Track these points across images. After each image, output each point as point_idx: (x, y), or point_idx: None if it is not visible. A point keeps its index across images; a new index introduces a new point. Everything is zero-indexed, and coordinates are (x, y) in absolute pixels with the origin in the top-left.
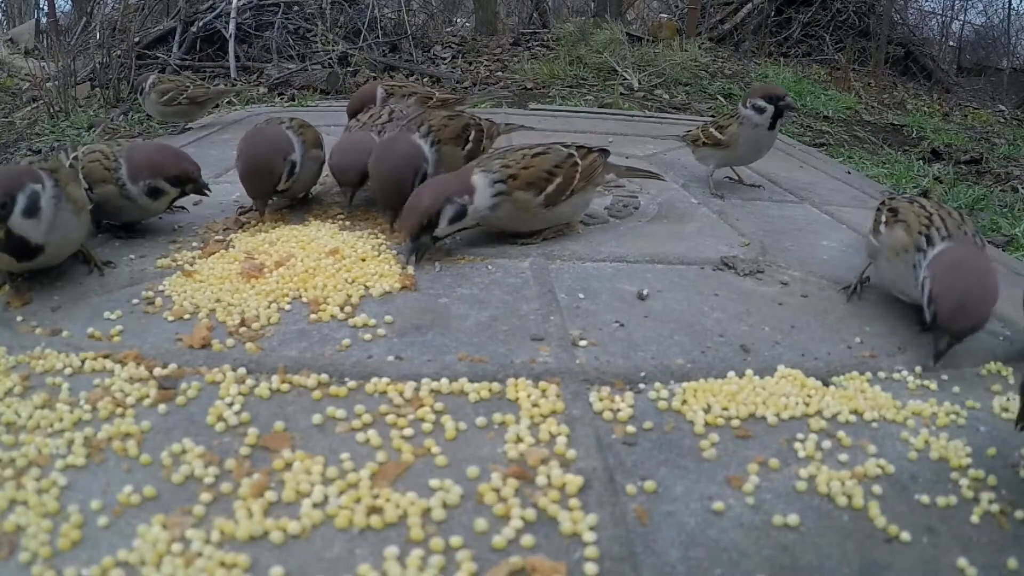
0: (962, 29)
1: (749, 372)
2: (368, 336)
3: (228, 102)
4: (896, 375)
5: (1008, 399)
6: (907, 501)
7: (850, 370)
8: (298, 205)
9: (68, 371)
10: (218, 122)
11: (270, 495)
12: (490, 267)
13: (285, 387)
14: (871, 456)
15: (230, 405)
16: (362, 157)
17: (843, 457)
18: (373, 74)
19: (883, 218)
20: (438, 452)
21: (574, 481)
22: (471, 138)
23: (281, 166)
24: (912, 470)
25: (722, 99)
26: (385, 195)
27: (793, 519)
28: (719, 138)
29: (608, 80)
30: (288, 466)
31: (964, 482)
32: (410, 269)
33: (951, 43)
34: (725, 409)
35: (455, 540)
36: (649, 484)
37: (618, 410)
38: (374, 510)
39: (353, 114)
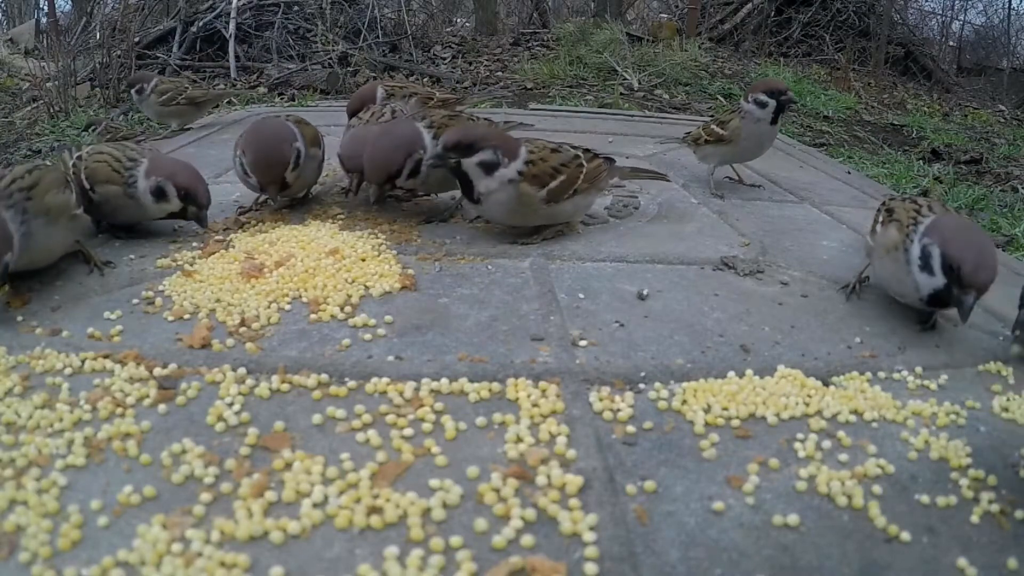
0: (962, 29)
1: (749, 372)
2: (368, 336)
3: (228, 102)
4: (896, 375)
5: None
6: (907, 501)
7: (850, 370)
8: (298, 205)
9: (68, 371)
10: (218, 122)
11: (270, 495)
12: (490, 267)
13: (285, 387)
14: (871, 456)
15: (230, 405)
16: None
17: (843, 457)
18: (373, 74)
19: (880, 218)
20: (438, 452)
21: (574, 481)
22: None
23: (289, 152)
24: (912, 470)
25: (722, 99)
26: (372, 169)
27: (793, 519)
28: (721, 134)
29: (608, 80)
30: (288, 466)
31: (964, 482)
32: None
33: (951, 43)
34: (725, 409)
35: (455, 540)
36: (649, 484)
37: (618, 410)
38: (374, 510)
39: (353, 113)
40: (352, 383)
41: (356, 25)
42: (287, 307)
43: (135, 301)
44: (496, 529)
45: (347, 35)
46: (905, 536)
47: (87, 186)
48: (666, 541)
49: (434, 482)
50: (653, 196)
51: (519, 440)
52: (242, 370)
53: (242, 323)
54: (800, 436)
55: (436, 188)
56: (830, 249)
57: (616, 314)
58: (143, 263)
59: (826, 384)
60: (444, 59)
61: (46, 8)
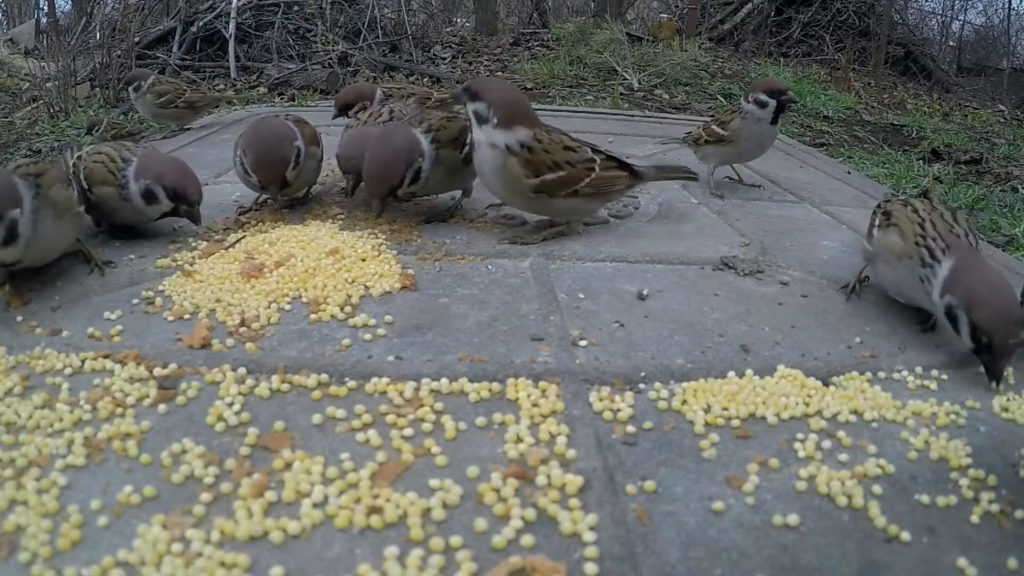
0: (962, 29)
1: (749, 372)
2: (368, 336)
3: (228, 102)
4: (896, 375)
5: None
6: (907, 501)
7: (850, 370)
8: (298, 205)
9: (68, 371)
10: (218, 122)
11: (270, 495)
12: (490, 267)
13: (285, 387)
14: (871, 456)
15: (230, 405)
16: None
17: (843, 457)
18: (373, 74)
19: (877, 221)
20: (438, 452)
21: (574, 481)
22: (468, 141)
23: (290, 151)
24: (912, 470)
25: (722, 99)
26: (373, 184)
27: (793, 519)
28: (722, 134)
29: (608, 80)
30: (288, 466)
31: (964, 482)
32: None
33: (951, 43)
34: (725, 409)
35: (455, 540)
36: (649, 484)
37: (618, 410)
38: (374, 510)
39: (344, 106)
40: (352, 383)
41: (356, 25)
42: (287, 307)
43: (135, 301)
44: (496, 529)
45: (347, 35)
46: (905, 536)
47: (85, 186)
48: (666, 541)
49: (434, 482)
50: (653, 196)
51: (519, 440)
52: (242, 370)
53: (242, 323)
54: (800, 436)
55: (436, 190)
56: (830, 249)
57: (616, 314)
58: (143, 263)
59: (826, 384)
60: (444, 59)
61: (46, 8)
